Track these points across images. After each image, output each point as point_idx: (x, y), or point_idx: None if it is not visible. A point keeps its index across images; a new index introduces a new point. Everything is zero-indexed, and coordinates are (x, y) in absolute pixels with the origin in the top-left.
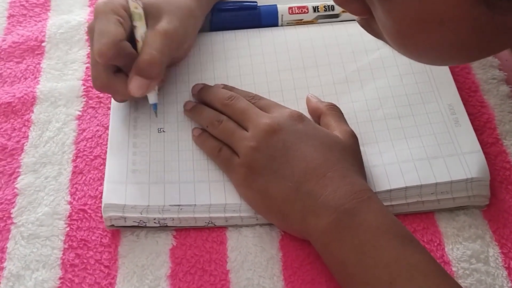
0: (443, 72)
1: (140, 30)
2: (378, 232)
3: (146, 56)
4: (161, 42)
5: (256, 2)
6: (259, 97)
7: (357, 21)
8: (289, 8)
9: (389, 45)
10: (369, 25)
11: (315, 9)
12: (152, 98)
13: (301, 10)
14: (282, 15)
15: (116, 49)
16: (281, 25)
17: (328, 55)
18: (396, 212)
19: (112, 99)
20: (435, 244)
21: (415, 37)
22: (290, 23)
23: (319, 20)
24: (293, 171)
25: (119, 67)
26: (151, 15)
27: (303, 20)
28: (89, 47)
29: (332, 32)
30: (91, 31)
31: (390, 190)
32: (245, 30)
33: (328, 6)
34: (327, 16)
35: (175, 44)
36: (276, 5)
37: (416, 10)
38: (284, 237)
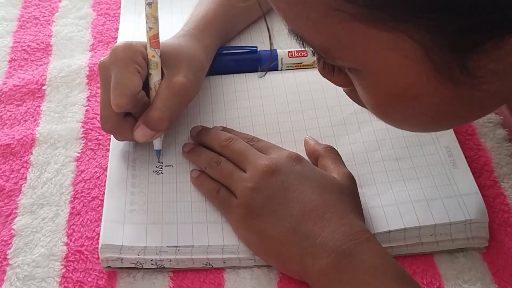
0: None
1: (155, 78)
2: (377, 274)
3: (157, 112)
4: (175, 99)
5: (256, 46)
6: (258, 139)
7: (343, 90)
8: (289, 52)
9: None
10: (354, 95)
11: (314, 53)
12: (157, 144)
13: (301, 54)
14: (282, 58)
15: (134, 101)
16: (281, 69)
17: (325, 98)
18: (395, 253)
19: (112, 137)
20: (435, 287)
21: (391, 109)
22: (290, 67)
23: None
24: (291, 212)
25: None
26: (169, 65)
27: (302, 64)
28: (90, 90)
29: None
30: (104, 70)
31: (389, 232)
32: (244, 74)
33: None
34: None
35: (188, 99)
36: (276, 49)
37: (388, 86)
38: (282, 279)
